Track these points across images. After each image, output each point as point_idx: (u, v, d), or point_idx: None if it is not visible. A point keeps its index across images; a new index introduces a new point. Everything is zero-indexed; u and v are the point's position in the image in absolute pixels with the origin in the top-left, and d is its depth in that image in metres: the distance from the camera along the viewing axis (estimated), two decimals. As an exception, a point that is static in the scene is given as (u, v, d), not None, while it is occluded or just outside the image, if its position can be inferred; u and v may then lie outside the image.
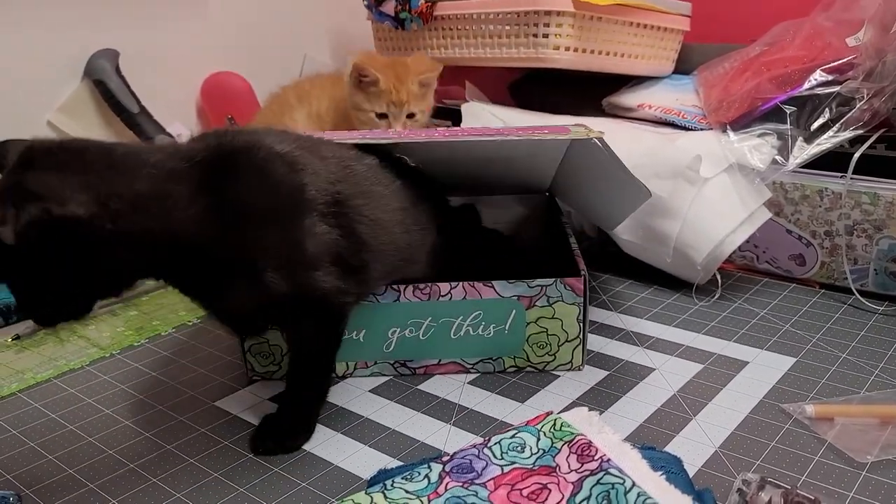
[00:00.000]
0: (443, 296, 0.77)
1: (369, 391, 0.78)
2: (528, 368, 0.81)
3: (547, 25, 1.09)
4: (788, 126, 0.96)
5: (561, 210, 1.02)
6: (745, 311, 0.94)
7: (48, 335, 0.94)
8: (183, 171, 0.61)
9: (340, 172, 0.70)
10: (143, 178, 0.58)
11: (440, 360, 0.80)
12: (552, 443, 0.60)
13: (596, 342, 0.87)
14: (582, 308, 0.77)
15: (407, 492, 0.56)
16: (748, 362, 0.81)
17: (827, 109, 0.95)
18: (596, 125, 0.91)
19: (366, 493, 0.56)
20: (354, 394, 0.78)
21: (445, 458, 0.60)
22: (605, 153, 0.76)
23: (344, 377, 0.81)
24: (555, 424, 0.62)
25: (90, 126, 1.25)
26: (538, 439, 0.61)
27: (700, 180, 0.94)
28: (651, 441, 0.67)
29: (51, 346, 0.92)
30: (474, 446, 0.61)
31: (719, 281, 0.99)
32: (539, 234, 1.08)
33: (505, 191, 1.06)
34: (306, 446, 0.69)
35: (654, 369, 0.80)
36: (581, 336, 0.79)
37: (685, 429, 0.69)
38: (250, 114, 1.31)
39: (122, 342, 0.92)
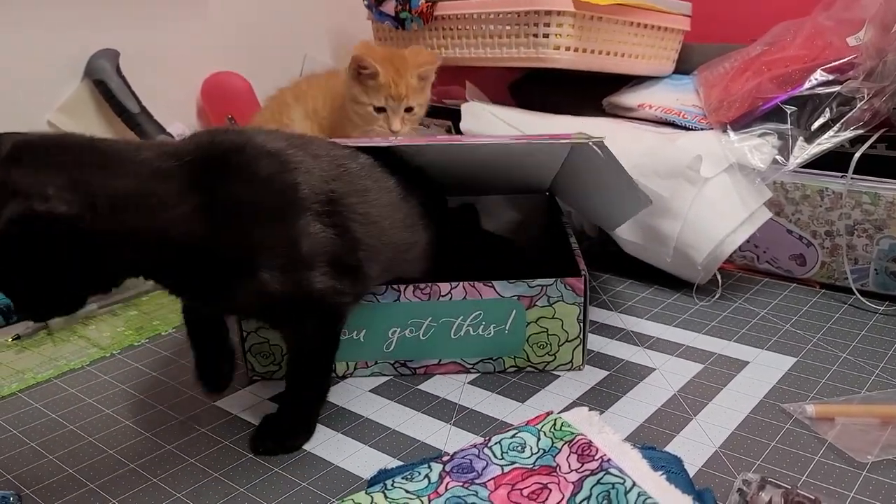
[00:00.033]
0: (443, 296, 0.77)
1: (369, 391, 0.78)
2: (529, 368, 0.81)
3: (547, 25, 1.09)
4: (789, 126, 0.96)
5: (561, 210, 1.02)
6: (746, 311, 0.94)
7: (48, 335, 0.94)
8: (172, 169, 0.60)
9: (334, 171, 0.70)
10: (130, 176, 0.58)
11: (440, 360, 0.80)
12: (552, 443, 0.60)
13: (596, 342, 0.87)
14: (582, 308, 0.77)
15: (407, 492, 0.56)
16: (749, 362, 0.81)
17: (827, 109, 0.95)
18: (596, 125, 0.91)
19: (366, 492, 0.56)
20: (354, 394, 0.78)
21: (446, 458, 0.60)
22: (605, 159, 0.76)
23: (344, 377, 0.81)
24: (555, 424, 0.62)
25: (91, 126, 1.25)
26: (538, 439, 0.61)
27: (700, 180, 0.94)
28: (651, 441, 0.67)
29: (51, 346, 0.92)
30: (474, 446, 0.61)
31: (720, 281, 0.99)
32: (539, 234, 1.08)
33: (505, 191, 1.06)
34: (306, 446, 0.69)
35: (655, 369, 0.80)
36: (581, 336, 0.79)
37: (685, 429, 0.69)
38: (250, 114, 1.30)
39: (123, 342, 0.92)
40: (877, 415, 0.69)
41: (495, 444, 0.61)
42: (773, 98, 0.98)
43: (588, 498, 0.54)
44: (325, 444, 0.69)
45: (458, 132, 1.22)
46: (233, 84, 1.39)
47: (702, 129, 1.04)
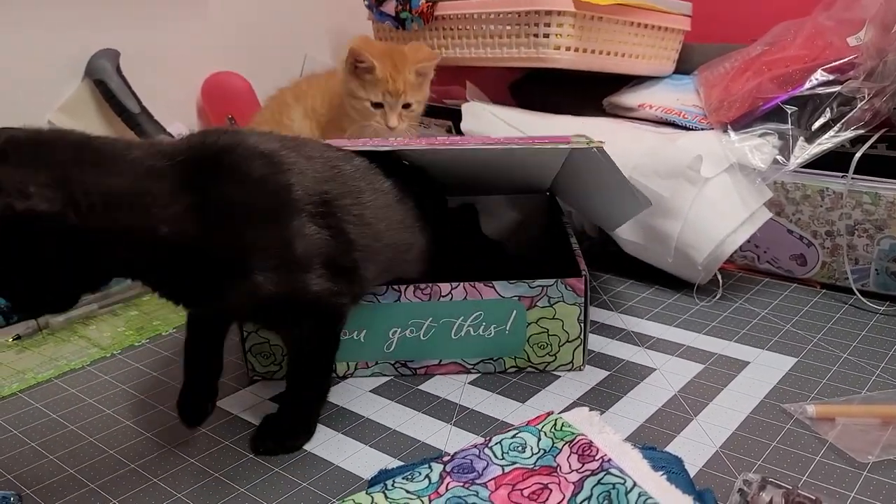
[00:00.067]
0: (443, 296, 0.77)
1: (370, 391, 0.78)
2: (529, 369, 0.81)
3: (548, 25, 1.09)
4: (789, 126, 0.96)
5: (562, 210, 1.02)
6: (746, 311, 0.94)
7: (49, 335, 0.94)
8: (164, 168, 0.60)
9: (328, 172, 0.69)
10: (120, 174, 0.57)
11: (441, 361, 0.80)
12: (553, 443, 0.60)
13: (597, 342, 0.87)
14: (583, 308, 0.77)
15: (408, 492, 0.56)
16: (749, 362, 0.81)
17: (828, 109, 0.95)
18: (597, 125, 0.91)
19: (366, 493, 0.56)
20: (355, 394, 0.78)
21: (446, 458, 0.60)
22: (605, 162, 0.76)
23: (344, 377, 0.81)
24: (555, 424, 0.62)
25: (91, 126, 1.23)
26: (539, 439, 0.61)
27: (701, 180, 0.94)
28: (652, 441, 0.67)
29: (51, 346, 0.92)
30: (475, 446, 0.61)
31: (720, 281, 0.99)
32: (540, 234, 1.08)
33: (506, 191, 1.06)
34: (307, 446, 0.69)
35: (655, 369, 0.80)
36: (582, 336, 0.79)
37: (686, 429, 0.69)
38: (250, 114, 1.30)
39: (123, 342, 0.92)
40: (877, 415, 0.69)
41: (496, 444, 0.61)
42: (774, 98, 0.98)
43: (589, 498, 0.54)
44: (326, 444, 0.69)
45: (459, 132, 1.22)
46: (233, 84, 1.39)
47: (702, 129, 1.04)
